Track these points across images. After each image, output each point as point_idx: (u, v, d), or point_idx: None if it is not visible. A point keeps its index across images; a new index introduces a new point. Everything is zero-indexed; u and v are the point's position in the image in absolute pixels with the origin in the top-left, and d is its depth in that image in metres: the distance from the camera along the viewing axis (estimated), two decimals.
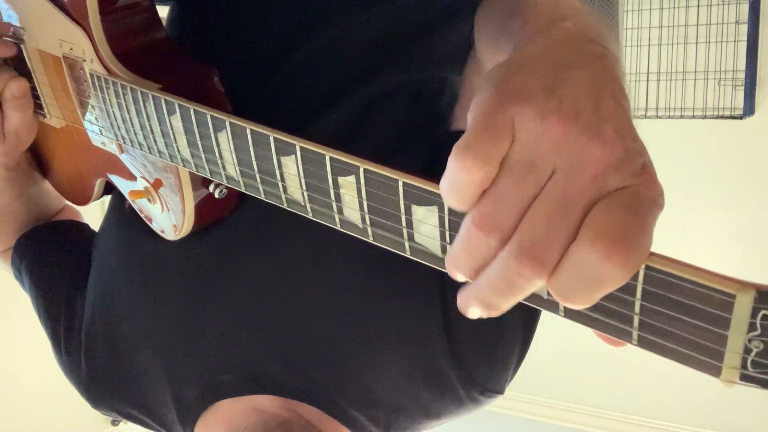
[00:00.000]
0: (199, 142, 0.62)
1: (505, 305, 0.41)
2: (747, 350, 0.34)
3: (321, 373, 0.76)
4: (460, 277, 0.43)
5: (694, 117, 2.80)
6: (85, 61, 0.73)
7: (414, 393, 0.77)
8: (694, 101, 2.82)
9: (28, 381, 2.57)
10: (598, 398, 3.31)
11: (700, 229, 2.95)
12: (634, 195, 0.37)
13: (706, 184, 2.93)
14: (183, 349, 0.80)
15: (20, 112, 0.82)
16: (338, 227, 0.52)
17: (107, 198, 0.94)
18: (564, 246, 0.37)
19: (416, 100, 0.80)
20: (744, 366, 0.35)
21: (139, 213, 0.82)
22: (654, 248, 0.37)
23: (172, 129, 0.64)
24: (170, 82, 0.70)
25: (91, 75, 0.73)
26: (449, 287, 0.74)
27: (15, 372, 2.56)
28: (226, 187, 0.73)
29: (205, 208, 0.75)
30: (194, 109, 0.60)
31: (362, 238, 0.51)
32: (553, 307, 0.42)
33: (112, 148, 0.77)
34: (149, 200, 0.78)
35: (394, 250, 0.49)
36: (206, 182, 0.73)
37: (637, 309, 0.38)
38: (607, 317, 0.39)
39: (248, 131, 0.55)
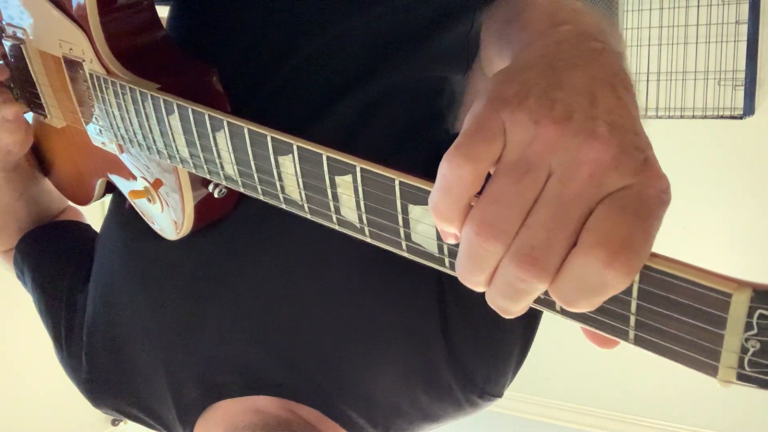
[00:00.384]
0: (197, 142, 0.62)
1: (516, 308, 0.41)
2: (744, 349, 0.34)
3: (320, 374, 0.76)
4: (479, 288, 0.42)
5: (694, 117, 2.80)
6: (84, 61, 0.74)
7: (412, 395, 0.77)
8: (694, 101, 2.82)
9: (29, 380, 2.57)
10: (598, 398, 3.31)
11: (701, 229, 2.94)
12: (637, 196, 0.36)
13: (706, 184, 2.93)
14: (183, 349, 0.80)
15: (11, 134, 0.84)
16: (336, 226, 0.52)
17: (108, 198, 0.94)
18: (565, 250, 0.37)
19: (416, 100, 0.80)
20: (741, 365, 0.35)
21: (139, 213, 0.83)
22: (653, 248, 0.36)
23: (170, 129, 0.64)
24: (169, 82, 0.70)
25: (91, 75, 0.73)
26: (448, 290, 0.74)
27: (16, 371, 2.56)
28: (226, 187, 0.73)
29: (205, 207, 0.75)
30: (192, 109, 0.60)
31: (359, 237, 0.51)
32: (549, 305, 0.42)
33: (112, 148, 0.77)
34: (149, 200, 0.78)
35: (392, 249, 0.49)
36: (206, 182, 0.73)
37: (633, 308, 0.38)
38: (604, 316, 0.39)
39: (246, 131, 0.55)
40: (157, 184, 0.76)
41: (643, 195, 0.36)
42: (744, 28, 2.68)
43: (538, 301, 0.42)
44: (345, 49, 0.79)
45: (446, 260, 0.46)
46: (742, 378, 0.35)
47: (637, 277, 0.37)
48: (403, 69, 0.80)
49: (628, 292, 0.37)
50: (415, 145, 0.78)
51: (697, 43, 2.81)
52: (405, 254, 0.48)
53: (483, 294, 0.44)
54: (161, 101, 0.64)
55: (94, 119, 0.77)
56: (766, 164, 2.84)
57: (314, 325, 0.76)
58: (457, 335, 0.74)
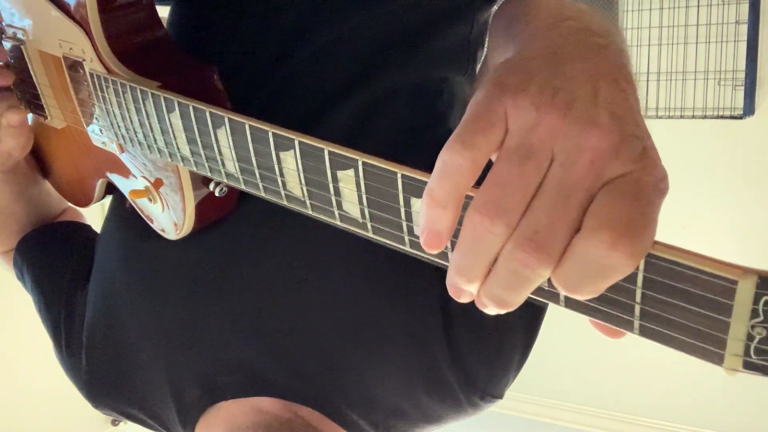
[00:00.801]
0: (198, 139, 0.62)
1: (516, 299, 0.41)
2: (750, 337, 0.34)
3: (321, 375, 0.76)
4: (464, 297, 0.42)
5: (694, 117, 2.80)
6: (84, 60, 0.73)
7: (414, 397, 0.77)
8: (694, 101, 2.82)
9: (29, 381, 2.57)
10: (598, 398, 3.31)
11: (701, 229, 2.95)
12: (636, 181, 0.37)
13: (706, 184, 2.93)
14: (184, 349, 0.80)
15: (14, 139, 0.84)
16: (338, 222, 0.52)
17: (108, 199, 0.94)
18: (567, 235, 0.37)
19: (417, 100, 0.80)
20: (747, 353, 0.35)
21: (139, 213, 0.82)
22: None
23: (171, 126, 0.64)
24: (170, 80, 0.70)
25: (91, 74, 0.73)
26: None
27: (15, 372, 2.56)
28: (226, 186, 0.73)
29: (206, 207, 0.75)
30: (193, 106, 0.60)
31: (362, 232, 0.51)
32: (554, 297, 0.42)
33: (112, 147, 0.77)
34: (150, 200, 0.78)
35: (394, 244, 0.49)
36: (206, 181, 0.73)
37: (638, 297, 0.37)
38: (608, 307, 0.39)
39: (247, 127, 0.55)
40: (157, 183, 0.76)
41: (641, 182, 0.37)
42: (744, 28, 2.68)
43: (542, 293, 0.42)
44: (345, 49, 0.79)
45: (449, 255, 0.46)
46: (749, 366, 0.35)
47: (641, 266, 0.36)
48: (404, 69, 0.79)
49: (632, 281, 0.37)
50: (417, 145, 0.78)
51: (697, 43, 2.81)
52: (407, 249, 0.48)
53: None
54: (162, 99, 0.64)
55: (94, 119, 0.77)
56: (766, 164, 2.84)
57: (316, 326, 0.76)
58: (459, 337, 0.74)
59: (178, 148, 0.65)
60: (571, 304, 0.41)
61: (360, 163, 0.47)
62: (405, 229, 0.47)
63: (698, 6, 2.79)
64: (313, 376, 0.76)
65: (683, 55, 2.84)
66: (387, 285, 0.74)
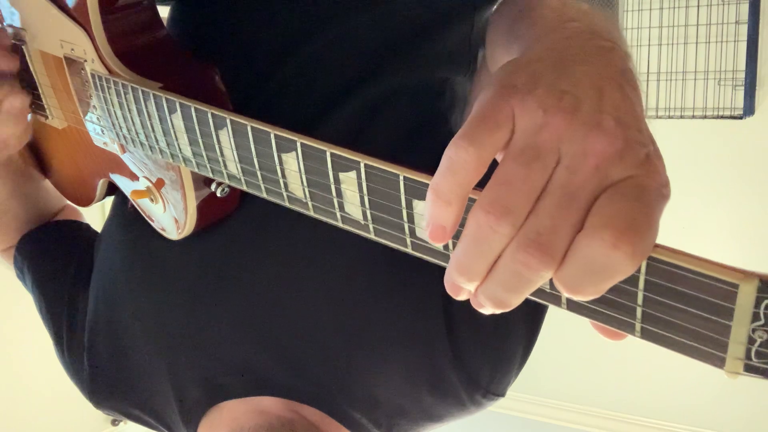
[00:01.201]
0: (200, 140, 0.62)
1: (515, 300, 0.41)
2: (751, 340, 0.34)
3: (324, 375, 0.76)
4: (462, 294, 0.42)
5: (694, 117, 2.80)
6: (86, 61, 0.74)
7: (416, 395, 0.77)
8: (694, 101, 2.82)
9: (29, 381, 2.57)
10: (598, 398, 3.31)
11: (701, 229, 2.95)
12: (639, 185, 0.37)
13: (706, 184, 2.93)
14: (186, 349, 0.80)
15: (13, 125, 0.82)
16: (339, 224, 0.52)
17: (108, 199, 0.94)
18: (570, 236, 0.37)
19: (418, 101, 0.80)
20: (748, 356, 0.35)
21: (141, 213, 0.82)
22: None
23: (173, 128, 0.64)
24: (171, 81, 0.71)
25: (93, 75, 0.73)
26: None
27: (16, 372, 2.55)
28: (228, 186, 0.73)
29: (208, 207, 0.75)
30: (195, 107, 0.60)
31: (363, 234, 0.51)
32: (555, 299, 0.42)
33: (113, 148, 0.77)
34: (151, 200, 0.78)
35: (396, 246, 0.49)
36: (208, 181, 0.73)
37: (640, 300, 0.38)
38: (610, 309, 0.39)
39: (249, 128, 0.55)
40: (159, 183, 0.76)
41: (643, 185, 0.37)
42: (744, 28, 2.68)
43: (544, 295, 0.42)
44: (346, 49, 0.79)
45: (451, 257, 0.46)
46: (750, 369, 0.35)
47: (643, 269, 0.37)
48: (405, 70, 0.80)
49: (634, 283, 0.37)
50: (418, 146, 0.78)
51: (697, 43, 2.81)
52: (409, 250, 0.48)
53: None
54: (163, 100, 0.64)
55: (95, 119, 0.77)
56: (766, 164, 2.84)
57: (318, 326, 0.76)
58: (461, 335, 0.74)
59: (180, 149, 0.65)
60: (573, 306, 0.41)
61: (362, 165, 0.47)
62: (407, 230, 0.47)
63: (698, 6, 2.79)
64: (315, 375, 0.76)
65: (683, 55, 2.84)
66: (389, 284, 0.75)
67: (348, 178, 0.49)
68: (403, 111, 0.79)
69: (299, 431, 0.73)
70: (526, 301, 0.42)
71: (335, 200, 0.51)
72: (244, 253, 0.78)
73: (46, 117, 0.87)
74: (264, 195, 0.59)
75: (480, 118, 0.40)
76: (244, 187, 0.61)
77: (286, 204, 0.56)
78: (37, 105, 0.88)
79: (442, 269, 0.46)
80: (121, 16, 0.73)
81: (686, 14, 2.82)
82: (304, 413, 0.76)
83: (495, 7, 0.79)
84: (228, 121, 0.57)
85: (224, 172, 0.62)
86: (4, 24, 0.86)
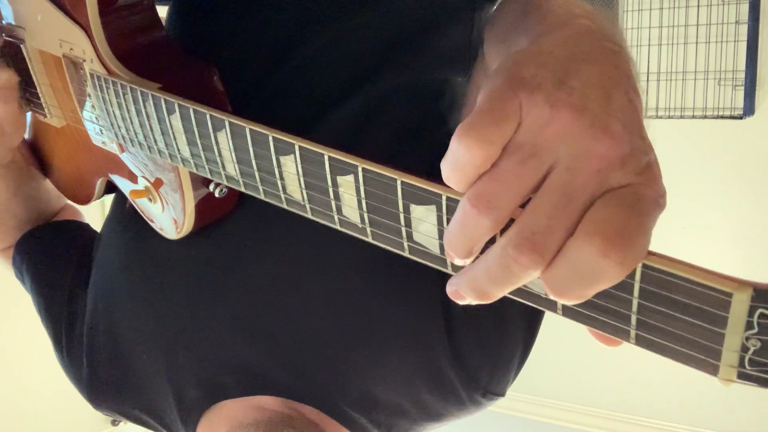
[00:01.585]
0: (198, 142, 0.62)
1: (498, 293, 0.41)
2: (744, 348, 0.34)
3: (322, 374, 0.76)
4: (457, 261, 0.43)
5: (694, 117, 2.81)
6: (85, 61, 0.74)
7: (415, 395, 0.77)
8: (694, 101, 2.82)
9: (29, 381, 2.58)
10: (598, 398, 3.31)
11: (701, 229, 2.95)
12: (636, 193, 0.37)
13: (706, 184, 2.93)
14: (185, 349, 0.80)
15: (3, 103, 0.82)
16: (337, 227, 0.52)
17: (108, 198, 0.94)
18: (563, 238, 0.37)
19: (417, 102, 0.80)
20: (741, 364, 0.35)
21: (140, 212, 0.83)
22: (653, 248, 0.37)
23: (171, 128, 0.64)
24: (170, 81, 0.71)
25: (91, 75, 0.73)
26: None
27: (15, 372, 2.56)
28: (227, 187, 0.73)
29: (206, 207, 0.75)
30: (194, 109, 0.60)
31: (361, 237, 0.51)
32: (551, 305, 0.42)
33: (112, 147, 0.77)
34: (150, 199, 0.78)
35: (394, 250, 0.49)
36: (206, 181, 0.73)
37: (634, 307, 0.38)
38: (605, 316, 0.39)
39: (247, 131, 0.55)
40: (157, 183, 0.76)
41: (640, 193, 0.37)
42: (744, 28, 2.69)
43: (540, 301, 0.42)
44: (346, 49, 0.79)
45: (448, 261, 0.46)
46: (743, 377, 0.35)
47: (638, 276, 0.37)
48: (404, 70, 0.79)
49: (629, 291, 0.37)
50: (417, 147, 0.78)
51: (697, 43, 2.81)
52: (407, 255, 0.48)
53: None
54: (162, 101, 0.64)
55: (94, 119, 0.77)
56: (766, 164, 2.84)
57: (317, 325, 0.76)
58: (460, 335, 0.74)
59: (179, 150, 0.65)
60: (569, 312, 0.41)
61: (360, 169, 0.47)
62: (404, 234, 0.47)
63: (698, 6, 2.79)
64: (314, 374, 0.76)
65: (683, 55, 2.85)
66: (388, 283, 0.75)
67: (346, 182, 0.49)
68: (402, 111, 0.79)
69: (298, 426, 0.73)
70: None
71: (333, 203, 0.51)
72: (242, 253, 0.78)
73: (45, 116, 0.87)
74: (262, 197, 0.59)
75: (488, 110, 0.39)
76: (242, 189, 0.61)
77: (284, 206, 0.56)
78: (35, 104, 0.88)
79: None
80: (120, 16, 0.73)
81: (686, 14, 2.82)
82: (303, 412, 0.76)
83: (495, 6, 0.79)
84: (226, 123, 0.57)
85: (222, 173, 0.62)
86: (4, 22, 0.86)
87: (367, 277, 0.75)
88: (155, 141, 0.68)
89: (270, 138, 0.53)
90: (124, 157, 0.78)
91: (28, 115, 0.93)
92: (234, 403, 0.77)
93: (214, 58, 0.76)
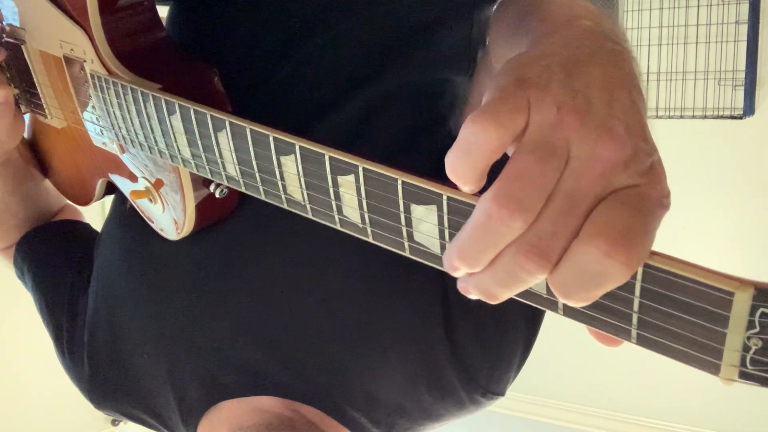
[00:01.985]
0: (199, 142, 0.62)
1: (504, 295, 0.41)
2: (746, 348, 0.34)
3: (323, 374, 0.76)
4: (459, 272, 0.42)
5: (694, 117, 2.81)
6: (85, 61, 0.74)
7: (415, 395, 0.77)
8: (694, 101, 2.82)
9: (29, 381, 2.57)
10: (598, 398, 3.31)
11: (701, 229, 2.95)
12: (640, 194, 0.37)
13: (706, 184, 2.93)
14: (186, 349, 0.80)
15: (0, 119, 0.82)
16: (338, 227, 0.52)
17: (108, 198, 0.94)
18: (568, 242, 0.37)
19: (418, 102, 0.80)
20: (743, 364, 0.35)
21: (140, 213, 0.83)
22: (654, 248, 0.37)
23: (172, 129, 0.64)
24: (170, 82, 0.71)
25: (92, 75, 0.73)
26: (451, 290, 0.74)
27: (16, 372, 2.56)
28: (227, 187, 0.73)
29: (206, 207, 0.75)
30: (194, 109, 0.60)
31: (362, 237, 0.51)
32: (552, 305, 0.42)
33: (113, 148, 0.77)
34: (150, 200, 0.78)
35: (394, 250, 0.49)
36: (207, 182, 0.73)
37: (636, 307, 0.38)
38: (607, 315, 0.39)
39: (248, 131, 0.55)
40: (158, 184, 0.76)
41: (644, 194, 0.37)
42: (744, 28, 2.69)
43: (541, 301, 0.42)
44: (345, 50, 0.79)
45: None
46: (744, 376, 0.35)
47: (639, 276, 0.37)
48: (404, 70, 0.79)
49: (630, 290, 0.37)
50: (418, 147, 0.78)
51: (697, 43, 2.81)
52: (407, 254, 0.48)
53: None
54: (163, 101, 0.64)
55: (95, 119, 0.77)
56: (766, 164, 2.84)
57: (317, 325, 0.76)
58: (460, 335, 0.74)
59: (179, 150, 0.65)
60: (570, 312, 0.41)
61: (360, 168, 0.47)
62: (405, 234, 0.47)
63: (698, 6, 2.79)
64: (314, 374, 0.76)
65: (683, 55, 2.85)
66: (388, 283, 0.75)
67: (346, 182, 0.49)
68: (402, 112, 0.79)
69: (299, 429, 0.73)
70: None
71: (333, 203, 0.51)
72: (242, 253, 0.78)
73: (45, 116, 0.87)
74: (262, 197, 0.59)
75: (499, 101, 0.39)
76: (243, 189, 0.61)
77: (285, 206, 0.56)
78: (35, 104, 0.88)
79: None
80: (120, 16, 0.73)
81: (686, 14, 2.82)
82: (304, 412, 0.76)
83: (496, 5, 0.79)
84: (227, 123, 0.57)
85: (223, 173, 0.62)
86: (4, 23, 0.86)
87: (367, 276, 0.75)
88: (156, 141, 0.68)
89: (271, 138, 0.53)
90: (125, 158, 0.78)
91: (28, 115, 0.93)
92: (234, 404, 0.77)
93: (215, 59, 0.76)
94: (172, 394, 0.82)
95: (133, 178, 0.79)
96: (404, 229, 0.47)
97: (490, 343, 0.76)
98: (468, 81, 0.85)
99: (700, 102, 2.82)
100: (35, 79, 0.85)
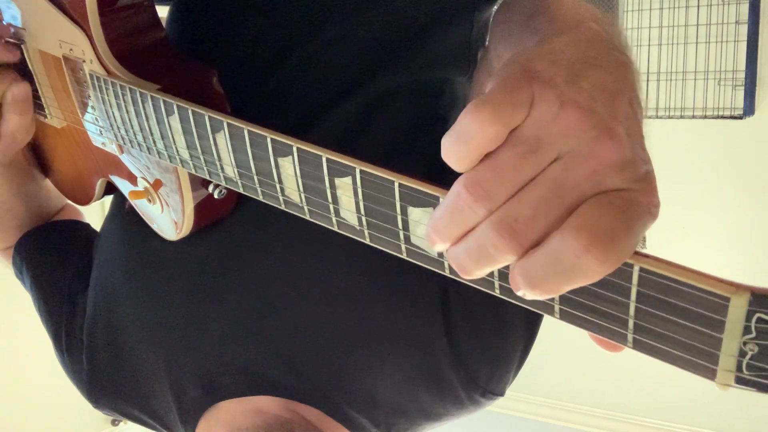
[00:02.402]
0: (197, 143, 0.62)
1: (474, 271, 0.41)
2: (742, 353, 0.34)
3: (322, 374, 0.76)
4: (436, 246, 0.42)
5: (694, 117, 2.81)
6: (84, 61, 0.74)
7: (415, 395, 0.77)
8: (694, 101, 2.82)
9: (29, 381, 2.58)
10: (598, 398, 3.31)
11: (700, 229, 2.95)
12: (630, 199, 0.37)
13: (705, 184, 2.93)
14: (184, 349, 0.80)
15: (19, 116, 0.82)
16: (335, 228, 0.52)
17: (108, 198, 0.94)
18: (544, 230, 0.37)
19: (417, 102, 0.80)
20: (739, 369, 0.35)
21: (139, 213, 0.83)
22: (653, 248, 0.37)
23: (170, 130, 0.64)
24: (169, 82, 0.71)
25: (91, 75, 0.73)
26: (451, 290, 0.74)
27: (15, 372, 2.56)
28: (226, 188, 0.73)
29: (205, 208, 0.75)
30: (192, 110, 0.60)
31: (359, 239, 0.51)
32: (548, 308, 0.42)
33: (112, 148, 0.77)
34: (149, 200, 0.78)
35: (391, 251, 0.49)
36: (206, 183, 0.73)
37: (631, 311, 0.38)
38: (602, 319, 0.39)
39: (246, 132, 0.55)
40: (157, 184, 0.76)
41: (633, 199, 0.37)
42: (744, 28, 2.69)
43: (537, 304, 0.42)
44: (344, 50, 0.79)
45: (446, 263, 0.46)
46: (741, 381, 0.35)
47: (635, 280, 0.37)
48: (404, 69, 0.79)
49: (626, 295, 0.37)
50: (417, 147, 0.78)
51: (697, 43, 2.81)
52: (404, 257, 0.48)
53: (486, 294, 0.44)
54: (161, 102, 0.64)
55: (94, 119, 0.77)
56: (766, 164, 2.84)
57: (316, 325, 0.76)
58: (460, 335, 0.74)
59: (177, 151, 0.65)
60: (566, 316, 0.41)
61: (358, 171, 0.47)
62: (402, 237, 0.47)
63: (698, 6, 2.79)
64: (313, 374, 0.76)
65: (683, 55, 2.85)
66: (387, 283, 0.75)
67: (344, 184, 0.49)
68: (402, 111, 0.79)
69: (297, 431, 0.73)
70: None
71: (331, 205, 0.51)
72: (241, 253, 0.78)
73: (45, 116, 0.87)
74: (260, 198, 0.59)
75: (504, 92, 0.39)
76: (241, 190, 0.61)
77: (282, 207, 0.56)
78: (36, 104, 0.88)
79: None
80: (120, 16, 0.73)
81: (686, 14, 2.82)
82: (303, 412, 0.76)
83: (497, 6, 0.79)
84: (225, 125, 0.57)
85: (221, 174, 0.62)
86: (4, 23, 0.86)
87: (366, 277, 0.75)
88: (154, 142, 0.68)
89: (268, 139, 0.53)
90: (124, 158, 0.78)
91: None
92: (233, 404, 0.77)
93: (214, 60, 0.76)
94: (171, 393, 0.82)
95: (132, 178, 0.79)
96: (401, 232, 0.47)
97: (490, 343, 0.76)
98: (468, 81, 0.85)
99: (700, 102, 2.81)
100: (35, 80, 0.85)
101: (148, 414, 0.86)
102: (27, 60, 0.84)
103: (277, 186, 0.55)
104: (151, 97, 0.65)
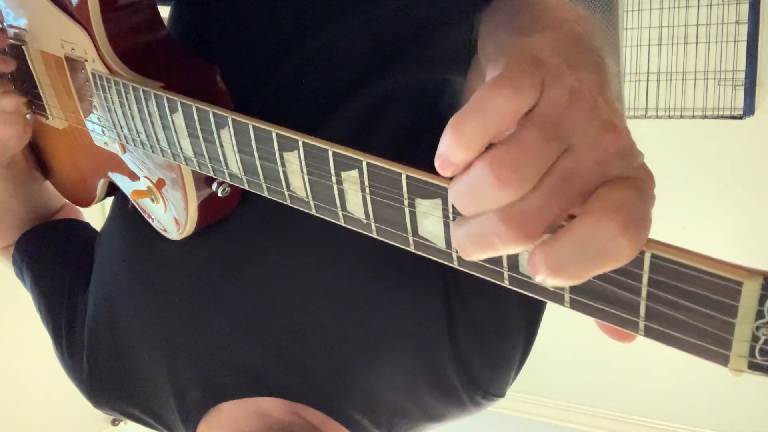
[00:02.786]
0: (201, 140, 0.62)
1: (474, 254, 0.40)
2: (755, 338, 0.34)
3: (324, 376, 0.76)
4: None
5: (694, 117, 2.81)
6: (86, 61, 0.73)
7: (416, 396, 0.77)
8: (694, 101, 2.83)
9: (29, 381, 2.57)
10: (598, 398, 3.31)
11: (700, 229, 2.95)
12: (641, 182, 0.37)
13: (706, 184, 2.93)
14: (186, 349, 0.80)
15: (9, 127, 0.84)
16: (341, 223, 0.52)
17: (109, 199, 0.94)
18: (550, 221, 0.37)
19: (419, 102, 0.80)
20: (752, 354, 0.35)
21: (141, 213, 0.82)
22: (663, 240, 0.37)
23: (174, 127, 0.64)
24: (172, 80, 0.71)
25: (93, 75, 0.73)
26: (453, 291, 0.74)
27: (15, 372, 2.56)
28: (229, 186, 0.73)
29: (208, 207, 0.75)
30: (196, 107, 0.60)
31: (366, 233, 0.51)
32: (557, 298, 0.41)
33: (114, 148, 0.77)
34: (152, 200, 0.78)
35: (398, 245, 0.49)
36: (209, 181, 0.73)
37: (643, 297, 0.37)
38: (614, 307, 0.39)
39: (250, 128, 0.55)
40: (159, 183, 0.76)
41: (643, 183, 0.37)
42: (744, 28, 2.69)
43: (547, 294, 0.42)
44: (346, 50, 0.79)
45: (454, 255, 0.46)
46: (753, 367, 0.35)
47: (647, 266, 0.36)
48: (405, 70, 0.79)
49: (638, 281, 0.37)
50: (418, 147, 0.77)
51: (697, 43, 2.82)
52: (412, 249, 0.48)
53: (487, 295, 0.44)
54: (164, 100, 0.64)
55: (96, 119, 0.77)
56: (766, 164, 2.85)
57: (319, 326, 0.76)
58: (461, 336, 0.74)
59: (181, 149, 0.65)
60: (576, 304, 0.41)
61: (364, 163, 0.47)
62: (409, 229, 0.47)
63: (698, 6, 2.79)
64: (315, 376, 0.76)
65: (683, 55, 2.85)
66: (390, 285, 0.75)
67: (350, 177, 0.48)
68: (403, 112, 0.79)
69: None
70: (525, 302, 0.42)
71: (337, 199, 0.51)
72: (244, 253, 0.78)
73: (47, 117, 0.87)
74: (266, 194, 0.59)
75: (519, 71, 0.38)
76: (246, 186, 0.61)
77: (288, 203, 0.56)
78: (37, 105, 0.88)
79: (444, 269, 0.46)
80: (121, 15, 0.73)
81: (686, 14, 2.82)
82: (305, 414, 0.76)
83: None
84: (230, 120, 0.57)
85: (226, 171, 0.62)
86: (4, 24, 0.86)
87: (369, 277, 0.75)
88: (158, 140, 0.68)
89: (273, 134, 0.53)
90: (126, 158, 0.78)
91: (28, 116, 0.93)
92: (234, 406, 0.77)
93: (216, 58, 0.76)
94: (172, 393, 0.81)
95: (135, 177, 0.79)
96: (409, 224, 0.47)
97: (491, 344, 0.76)
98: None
99: (700, 102, 2.82)
100: (36, 80, 0.85)
101: (149, 414, 0.86)
102: (28, 61, 0.84)
103: (283, 181, 0.55)
104: (155, 95, 0.65)
